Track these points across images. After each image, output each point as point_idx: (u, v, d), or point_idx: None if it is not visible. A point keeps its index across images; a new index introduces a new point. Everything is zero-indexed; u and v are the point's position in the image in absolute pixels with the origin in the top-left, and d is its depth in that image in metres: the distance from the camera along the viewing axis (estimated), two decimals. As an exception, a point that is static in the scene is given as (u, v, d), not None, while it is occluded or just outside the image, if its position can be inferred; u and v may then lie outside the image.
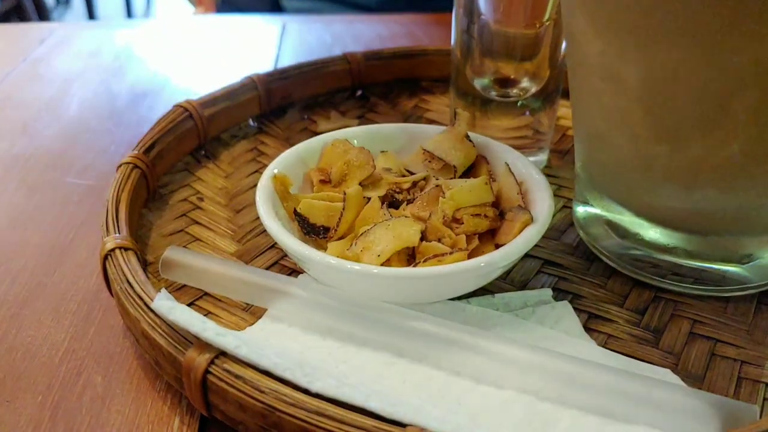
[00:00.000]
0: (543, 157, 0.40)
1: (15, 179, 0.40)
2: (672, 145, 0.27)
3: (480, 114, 0.38)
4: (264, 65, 0.54)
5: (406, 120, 0.44)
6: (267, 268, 0.32)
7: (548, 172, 0.39)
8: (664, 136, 0.27)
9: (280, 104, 0.43)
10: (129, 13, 3.84)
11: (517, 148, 0.35)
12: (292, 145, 0.37)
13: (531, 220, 0.29)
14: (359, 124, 0.43)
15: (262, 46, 0.58)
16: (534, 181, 0.31)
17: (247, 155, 0.40)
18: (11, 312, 0.30)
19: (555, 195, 0.37)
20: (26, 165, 0.41)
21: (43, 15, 2.95)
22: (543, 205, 0.30)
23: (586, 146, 0.33)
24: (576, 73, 0.31)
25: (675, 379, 0.26)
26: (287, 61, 0.56)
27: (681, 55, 0.25)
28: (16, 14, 2.61)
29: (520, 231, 0.28)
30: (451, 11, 0.37)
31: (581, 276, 0.32)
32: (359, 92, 0.46)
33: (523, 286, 0.31)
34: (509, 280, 0.31)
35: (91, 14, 3.60)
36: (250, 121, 0.42)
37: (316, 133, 0.42)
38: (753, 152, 0.27)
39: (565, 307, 0.29)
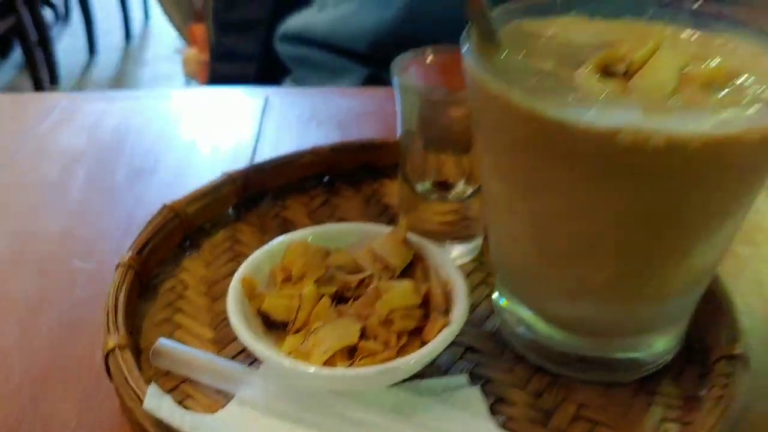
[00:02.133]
0: (477, 243, 0.47)
1: (28, 261, 0.47)
2: (555, 267, 0.34)
3: (418, 200, 0.45)
4: (248, 137, 0.62)
5: (367, 202, 0.52)
6: (239, 353, 0.39)
7: (482, 258, 0.46)
8: (546, 260, 0.34)
9: (255, 194, 0.50)
10: (127, 32, 3.90)
11: (451, 233, 0.42)
12: (264, 231, 0.45)
13: (448, 323, 0.36)
14: (323, 204, 0.51)
15: (246, 119, 0.65)
16: (457, 285, 0.38)
17: (225, 243, 0.47)
18: (32, 391, 0.37)
19: (484, 282, 0.44)
20: (37, 247, 0.48)
21: (42, 33, 3.01)
22: (460, 308, 0.37)
23: (493, 244, 0.40)
24: (484, 189, 0.38)
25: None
26: (269, 132, 0.63)
27: (557, 204, 0.32)
28: (16, 33, 2.67)
29: (439, 331, 0.36)
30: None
31: (494, 361, 0.39)
32: (326, 178, 0.53)
33: (447, 370, 0.38)
34: (436, 366, 0.38)
35: (89, 32, 3.67)
36: (229, 210, 0.49)
37: (287, 219, 0.49)
38: (621, 276, 0.34)
39: (476, 392, 0.36)
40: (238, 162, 0.58)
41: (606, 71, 0.31)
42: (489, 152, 0.35)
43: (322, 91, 0.72)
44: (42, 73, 3.14)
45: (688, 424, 0.34)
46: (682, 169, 0.27)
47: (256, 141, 0.62)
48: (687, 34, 0.35)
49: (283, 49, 0.98)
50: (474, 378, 0.38)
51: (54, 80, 3.36)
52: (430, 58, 0.43)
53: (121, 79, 3.57)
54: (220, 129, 0.64)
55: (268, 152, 0.60)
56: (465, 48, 0.33)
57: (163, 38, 3.38)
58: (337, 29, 0.87)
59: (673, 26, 0.36)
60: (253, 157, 0.59)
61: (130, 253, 0.41)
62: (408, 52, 0.42)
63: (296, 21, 0.96)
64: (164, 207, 0.45)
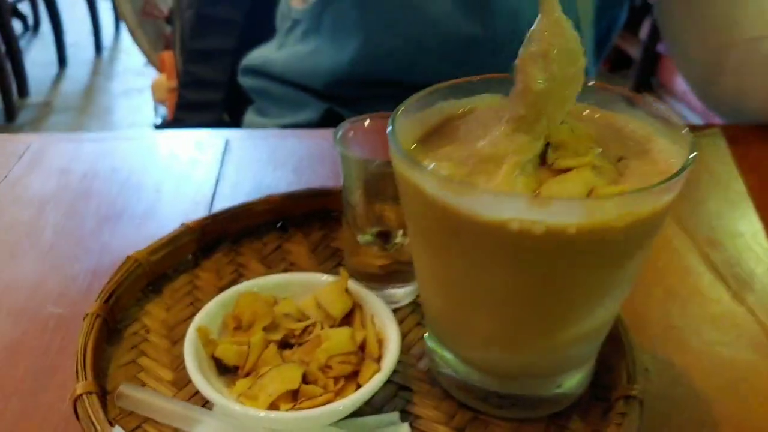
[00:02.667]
0: (415, 286, 0.52)
1: (5, 307, 0.51)
2: (465, 321, 0.40)
3: (360, 247, 0.50)
4: (209, 178, 0.66)
5: (317, 247, 0.56)
6: (195, 393, 0.43)
7: (419, 300, 0.51)
8: (458, 314, 0.40)
9: (213, 241, 0.55)
10: (98, 45, 3.90)
11: (391, 278, 0.47)
12: (221, 276, 0.49)
13: (379, 369, 0.41)
14: (276, 250, 0.56)
15: (208, 161, 0.70)
16: (390, 333, 0.43)
17: (185, 288, 0.51)
18: (7, 429, 0.41)
19: (420, 323, 0.49)
20: (13, 293, 0.52)
21: (11, 44, 3.01)
22: (390, 357, 0.42)
23: (420, 293, 0.45)
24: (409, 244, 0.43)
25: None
26: (229, 173, 0.68)
27: (461, 271, 0.37)
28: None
29: (371, 377, 0.40)
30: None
31: (424, 399, 0.44)
32: (279, 224, 0.58)
33: (381, 408, 0.43)
34: (372, 404, 0.43)
35: (59, 44, 3.66)
36: (189, 257, 0.54)
37: (241, 265, 0.54)
38: (522, 332, 0.39)
39: (405, 428, 0.41)
40: (199, 204, 0.63)
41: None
42: (407, 216, 0.40)
43: (280, 134, 0.76)
44: (10, 85, 3.14)
45: (586, 456, 0.39)
46: (562, 252, 0.33)
47: (216, 182, 0.67)
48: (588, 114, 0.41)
49: (244, 81, 1.02)
50: (405, 415, 0.42)
51: (23, 92, 3.36)
52: (367, 124, 0.48)
53: (91, 92, 3.58)
54: (183, 171, 0.68)
55: (228, 193, 0.65)
56: (389, 129, 0.38)
57: (134, 51, 3.39)
58: (294, 67, 0.91)
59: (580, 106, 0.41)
60: (213, 199, 0.64)
61: (97, 302, 0.46)
62: (346, 121, 0.47)
63: (256, 56, 1.00)
64: (128, 258, 0.49)
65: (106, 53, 4.01)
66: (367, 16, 0.73)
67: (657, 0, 0.85)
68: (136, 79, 3.56)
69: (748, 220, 0.63)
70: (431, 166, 0.36)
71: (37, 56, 3.83)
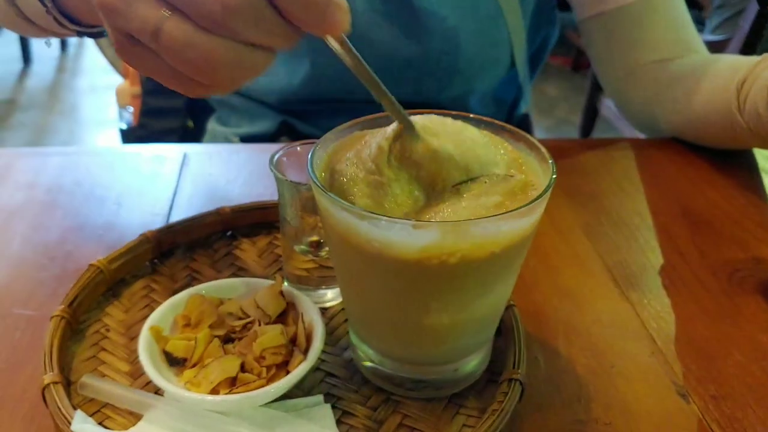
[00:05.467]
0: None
1: (-25, 310, 0.57)
2: (376, 324, 0.47)
3: (295, 254, 0.57)
4: (167, 190, 0.73)
5: (262, 253, 0.64)
6: (148, 383, 0.50)
7: (348, 300, 0.59)
8: (370, 318, 0.47)
9: (168, 249, 0.62)
10: (63, 41, 3.88)
11: (322, 281, 0.55)
12: (175, 281, 0.56)
13: (304, 359, 0.48)
14: (225, 256, 0.63)
15: (166, 174, 0.77)
16: (316, 328, 0.51)
17: (142, 292, 0.58)
18: (-18, 418, 0.48)
19: (347, 320, 0.57)
20: (-19, 297, 0.58)
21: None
22: (314, 348, 0.49)
23: (342, 294, 0.52)
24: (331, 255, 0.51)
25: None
26: (186, 185, 0.74)
27: (367, 282, 0.45)
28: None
29: (297, 366, 0.48)
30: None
31: (346, 384, 0.51)
32: (229, 233, 0.65)
33: (309, 391, 0.50)
34: (301, 388, 0.51)
35: (23, 40, 3.65)
36: (147, 263, 0.61)
37: (194, 270, 0.61)
38: (423, 332, 0.47)
39: (327, 408, 0.49)
40: (157, 215, 0.70)
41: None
42: (325, 231, 0.47)
43: (234, 148, 0.84)
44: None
45: (475, 429, 0.47)
46: (458, 267, 0.40)
47: (174, 195, 0.74)
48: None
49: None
50: (328, 397, 0.50)
51: (-13, 90, 3.37)
52: (299, 149, 0.55)
53: (57, 90, 3.58)
54: (142, 184, 0.75)
55: (184, 204, 0.72)
56: (308, 158, 0.45)
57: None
58: (250, 84, 0.98)
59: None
60: (170, 210, 0.71)
61: (62, 306, 0.52)
62: (280, 147, 0.54)
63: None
64: (90, 266, 0.56)
65: (71, 50, 4.02)
66: (315, 42, 0.80)
67: (580, 22, 0.93)
68: (103, 76, 3.58)
69: (644, 228, 0.72)
70: (333, 195, 0.43)
71: (1, 53, 3.82)
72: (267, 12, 0.37)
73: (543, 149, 0.46)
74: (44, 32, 0.73)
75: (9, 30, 0.77)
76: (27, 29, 0.73)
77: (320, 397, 0.50)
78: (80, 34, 0.64)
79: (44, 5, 0.60)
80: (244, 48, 0.38)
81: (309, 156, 0.45)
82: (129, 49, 0.40)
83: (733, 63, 0.81)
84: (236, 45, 0.38)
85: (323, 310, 0.54)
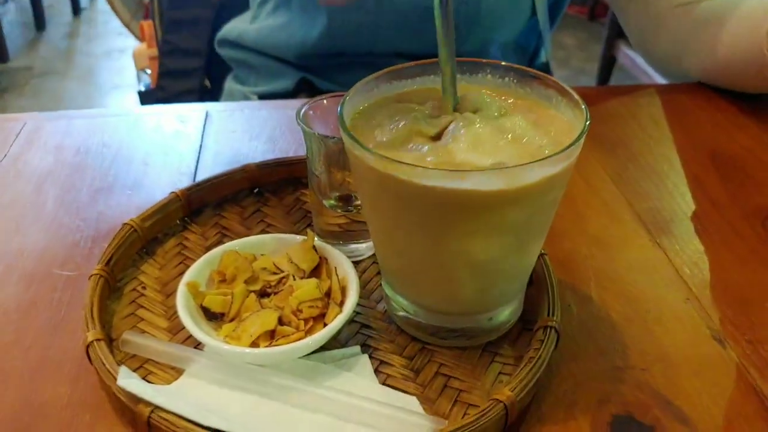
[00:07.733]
0: (371, 243, 0.59)
1: (16, 272, 0.58)
2: (415, 276, 0.48)
3: (325, 209, 0.57)
4: (192, 148, 0.74)
5: (290, 209, 0.64)
6: (188, 338, 0.51)
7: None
8: (409, 271, 0.48)
9: (198, 207, 0.62)
10: (75, 6, 3.86)
11: (352, 236, 0.55)
12: (206, 238, 0.57)
13: (341, 312, 0.49)
14: (254, 213, 0.63)
15: (190, 132, 0.77)
16: (351, 281, 0.51)
17: (175, 249, 0.59)
18: (29, 375, 0.49)
19: (379, 273, 0.57)
20: (22, 261, 0.59)
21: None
22: (351, 300, 0.50)
23: (376, 252, 0.52)
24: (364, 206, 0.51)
25: (416, 405, 0.47)
26: (210, 143, 0.75)
27: (406, 235, 0.45)
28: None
29: (333, 319, 0.48)
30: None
31: (381, 335, 0.52)
32: (256, 190, 0.65)
33: (345, 343, 0.51)
34: (338, 340, 0.51)
35: (35, 6, 3.63)
36: (177, 222, 0.61)
37: (224, 227, 0.62)
38: (461, 280, 0.47)
39: (365, 358, 0.50)
40: (184, 174, 0.70)
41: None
42: (356, 183, 0.47)
43: (255, 105, 0.83)
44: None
45: (512, 376, 0.48)
46: (482, 210, 0.40)
47: (199, 153, 0.74)
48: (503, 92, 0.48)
49: (222, 51, 1.08)
50: (365, 348, 0.51)
51: (3, 57, 3.37)
52: (326, 103, 0.55)
53: (72, 55, 3.58)
54: (168, 144, 0.75)
55: (209, 162, 0.72)
56: (338, 110, 0.45)
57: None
58: (267, 40, 0.97)
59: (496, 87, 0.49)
60: (196, 169, 0.71)
61: (99, 265, 0.53)
62: (307, 101, 0.54)
63: (231, 28, 1.06)
64: (124, 225, 0.57)
65: (84, 14, 3.99)
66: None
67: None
68: (117, 39, 3.56)
69: (674, 174, 0.71)
70: (370, 145, 0.43)
71: (14, 19, 3.81)
72: None
73: (575, 94, 0.46)
74: None
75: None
76: None
77: (357, 348, 0.51)
78: None
79: None
80: None
81: (339, 108, 0.45)
82: None
83: (763, 3, 0.79)
84: None
85: (355, 263, 0.54)
